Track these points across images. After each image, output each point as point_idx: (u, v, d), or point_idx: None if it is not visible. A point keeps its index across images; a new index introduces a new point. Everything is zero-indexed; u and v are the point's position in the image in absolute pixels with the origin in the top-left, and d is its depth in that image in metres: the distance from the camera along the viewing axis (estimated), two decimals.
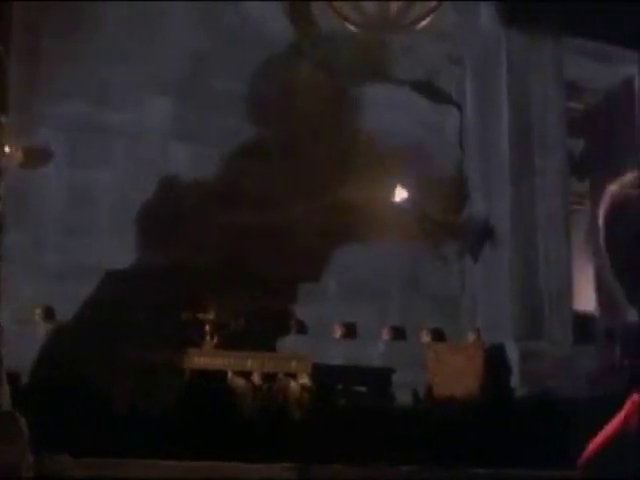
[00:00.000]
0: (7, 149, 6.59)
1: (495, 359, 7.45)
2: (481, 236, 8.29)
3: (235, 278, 7.52)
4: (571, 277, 7.98)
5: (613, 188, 1.90)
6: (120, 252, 7.32)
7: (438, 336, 7.95)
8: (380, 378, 7.46)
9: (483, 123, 8.57)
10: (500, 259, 8.08)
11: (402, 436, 6.50)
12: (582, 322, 7.85)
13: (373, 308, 7.99)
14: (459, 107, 8.78)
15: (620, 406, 1.92)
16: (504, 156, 8.24)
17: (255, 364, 6.92)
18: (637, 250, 1.85)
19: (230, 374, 6.86)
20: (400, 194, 8.25)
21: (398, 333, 8.00)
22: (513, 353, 7.52)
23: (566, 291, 7.94)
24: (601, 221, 1.92)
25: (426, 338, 7.87)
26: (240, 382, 6.83)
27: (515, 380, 7.38)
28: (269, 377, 6.91)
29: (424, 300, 8.13)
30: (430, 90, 8.71)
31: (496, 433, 6.39)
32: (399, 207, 8.18)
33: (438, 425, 6.73)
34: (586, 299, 7.86)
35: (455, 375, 7.24)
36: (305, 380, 6.90)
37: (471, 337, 7.82)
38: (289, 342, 7.59)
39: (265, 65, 8.13)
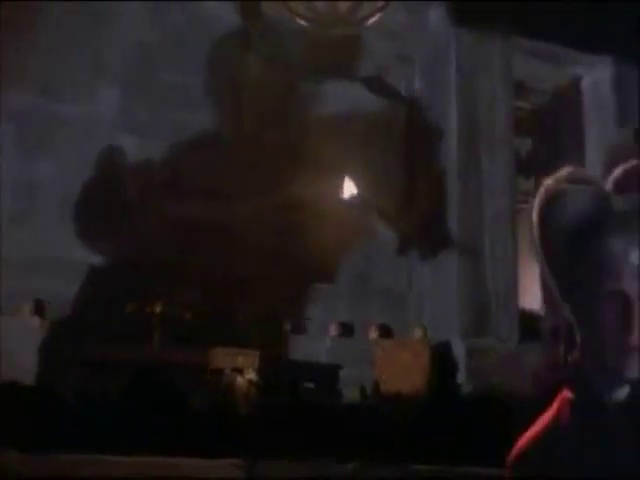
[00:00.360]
0: None
1: (441, 356, 7.50)
2: (428, 235, 8.33)
3: (183, 272, 7.49)
4: (517, 275, 8.05)
5: (548, 182, 1.88)
6: (66, 244, 7.25)
7: (385, 332, 7.98)
8: (327, 374, 7.47)
9: (431, 121, 8.60)
10: (447, 257, 8.13)
11: (349, 432, 6.51)
12: (528, 320, 7.93)
13: (321, 304, 8.00)
14: (408, 104, 8.81)
15: (551, 403, 1.93)
16: (451, 154, 8.28)
17: (201, 359, 6.90)
18: (570, 247, 1.84)
19: (179, 369, 6.83)
20: (349, 190, 8.26)
21: (346, 329, 8.01)
22: (459, 350, 7.57)
23: (512, 289, 8.01)
24: (535, 216, 1.90)
25: (374, 334, 7.89)
26: (188, 377, 6.81)
27: (461, 377, 7.44)
28: (216, 372, 6.88)
29: (372, 296, 8.16)
30: (380, 87, 8.74)
31: (442, 430, 6.42)
32: (348, 203, 8.19)
33: (385, 422, 6.75)
34: (532, 297, 7.93)
35: (402, 372, 7.27)
36: (252, 375, 6.89)
37: (418, 334, 7.86)
38: (237, 337, 7.57)
39: (214, 59, 8.10)
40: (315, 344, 7.76)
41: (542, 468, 1.83)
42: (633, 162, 1.82)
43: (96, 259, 7.33)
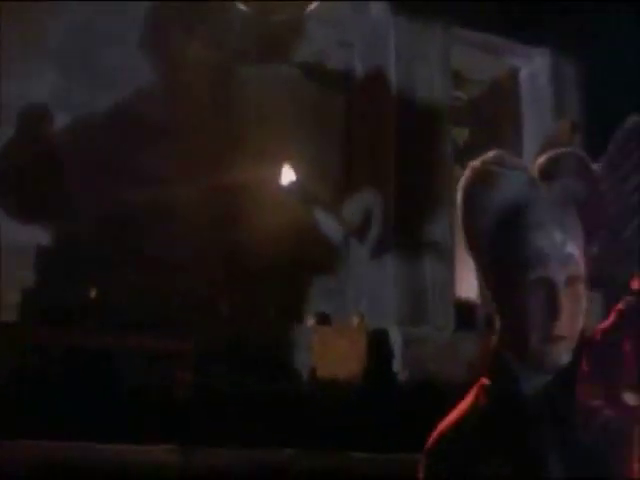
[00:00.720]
0: None
1: (378, 343, 7.54)
2: (367, 222, 8.36)
3: (121, 255, 7.43)
4: (454, 264, 8.11)
5: (474, 163, 1.82)
6: (3, 227, 7.16)
7: (323, 320, 8.00)
8: (265, 360, 7.46)
9: (370, 108, 8.62)
10: (385, 245, 8.16)
11: (285, 419, 6.52)
12: (464, 308, 8.01)
13: (259, 289, 7.98)
14: (347, 91, 8.82)
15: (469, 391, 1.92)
16: (390, 142, 8.31)
17: (136, 343, 6.86)
18: (496, 230, 1.80)
19: (115, 353, 6.79)
20: (288, 176, 8.26)
21: (283, 315, 8.01)
22: (396, 338, 7.62)
23: (449, 278, 8.07)
24: (460, 197, 1.84)
25: (311, 321, 7.91)
26: (124, 361, 6.76)
27: (397, 364, 7.48)
28: (152, 357, 6.85)
29: (309, 283, 8.17)
30: (319, 72, 8.74)
31: (378, 417, 6.46)
32: (287, 189, 8.19)
33: (321, 408, 6.77)
34: (468, 286, 8.00)
35: (339, 359, 7.29)
36: (188, 360, 6.86)
37: (355, 321, 7.89)
38: (174, 321, 7.54)
39: (154, 42, 8.03)
40: (252, 329, 7.75)
41: (456, 456, 1.81)
42: (559, 150, 1.81)
43: (32, 243, 7.25)
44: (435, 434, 1.85)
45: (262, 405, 6.65)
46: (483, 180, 1.79)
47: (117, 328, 6.89)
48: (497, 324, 1.86)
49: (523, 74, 9.04)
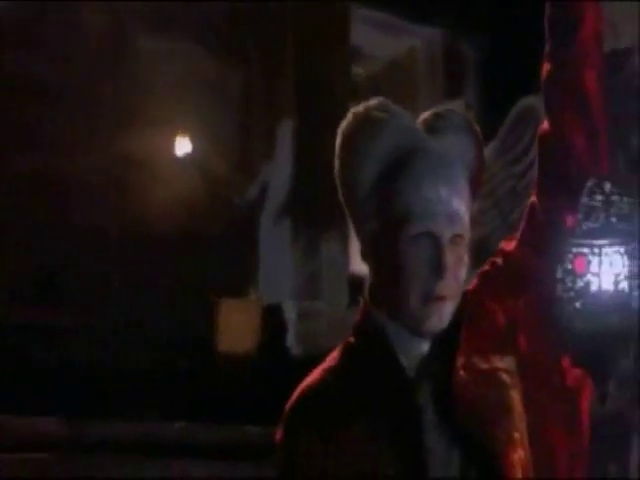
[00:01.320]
0: None
1: (273, 318, 7.56)
2: (263, 195, 8.36)
3: (12, 228, 7.31)
4: (348, 239, 8.17)
5: (357, 109, 1.71)
6: None
7: (219, 294, 7.96)
8: (161, 334, 7.43)
9: (268, 83, 8.61)
10: (280, 219, 8.18)
11: (181, 393, 6.51)
12: (358, 284, 8.06)
13: (154, 261, 7.93)
14: (245, 66, 8.79)
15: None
16: (288, 117, 8.33)
17: (29, 316, 6.78)
18: (377, 179, 1.68)
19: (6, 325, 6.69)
20: (182, 148, 8.20)
21: (179, 288, 7.98)
22: (290, 313, 7.65)
23: (343, 253, 8.13)
24: (338, 144, 1.71)
25: (208, 295, 7.87)
26: (15, 334, 6.67)
27: (291, 339, 7.52)
28: (43, 329, 6.77)
29: (206, 256, 8.13)
30: (217, 47, 8.68)
31: (271, 391, 6.47)
32: (181, 161, 8.14)
33: (216, 382, 6.78)
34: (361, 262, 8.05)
35: (234, 333, 7.30)
36: (83, 334, 6.80)
37: (252, 296, 7.89)
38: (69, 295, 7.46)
39: (47, 8, 7.88)
40: (146, 302, 7.70)
41: (315, 416, 1.69)
42: (444, 107, 1.77)
43: None
44: (296, 393, 1.73)
45: (158, 379, 6.63)
46: (365, 126, 1.69)
47: (13, 300, 6.79)
48: (368, 283, 1.75)
49: (421, 53, 9.13)
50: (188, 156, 8.23)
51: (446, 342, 1.71)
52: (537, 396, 1.72)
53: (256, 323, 7.45)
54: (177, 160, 8.20)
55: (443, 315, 1.68)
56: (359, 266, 8.15)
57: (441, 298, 1.67)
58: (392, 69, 9.21)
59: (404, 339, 1.70)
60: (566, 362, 1.71)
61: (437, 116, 1.73)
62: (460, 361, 1.69)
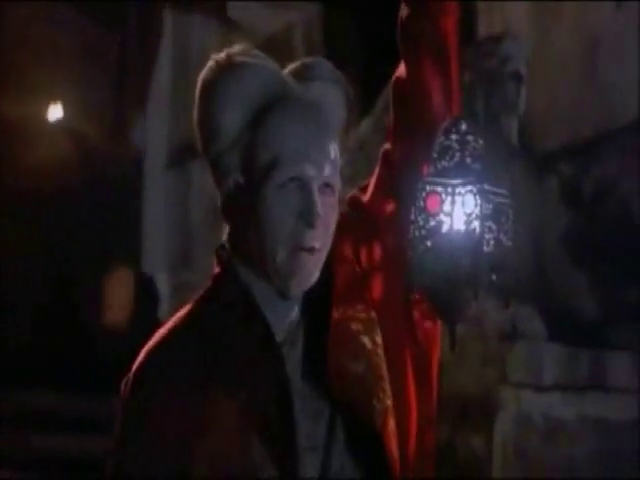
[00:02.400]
0: None
1: (147, 291, 7.51)
2: (136, 165, 8.28)
3: None
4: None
5: (218, 55, 1.63)
6: None
7: (93, 264, 7.87)
8: (34, 304, 7.31)
9: (145, 51, 8.52)
10: (156, 188, 8.11)
11: (55, 364, 6.43)
12: None
13: (26, 232, 7.77)
14: (122, 35, 8.67)
15: None
16: (164, 87, 8.26)
17: None
18: (241, 128, 1.62)
19: None
20: (54, 113, 8.05)
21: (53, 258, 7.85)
22: (164, 286, 7.60)
23: (217, 226, 8.11)
24: (199, 91, 1.64)
25: (83, 265, 7.78)
26: None
27: (165, 312, 7.47)
28: None
29: (80, 227, 8.00)
30: (92, 12, 8.53)
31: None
32: (54, 127, 7.99)
33: (88, 353, 6.71)
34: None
35: (108, 304, 7.22)
36: None
37: (125, 268, 7.81)
38: None
39: None
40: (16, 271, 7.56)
41: (163, 374, 1.61)
42: (311, 58, 1.74)
43: None
44: (144, 350, 1.65)
45: (29, 348, 6.53)
46: (228, 71, 1.61)
47: None
48: (229, 239, 1.68)
49: (298, 29, 9.14)
50: (60, 122, 8.08)
51: (316, 307, 1.65)
52: (390, 348, 1.68)
53: (129, 295, 7.38)
54: (49, 126, 8.04)
55: (311, 270, 1.61)
56: None
57: (310, 250, 1.60)
58: (270, 44, 9.19)
59: (271, 300, 1.63)
60: (418, 313, 1.69)
61: (305, 65, 1.69)
62: (332, 328, 1.64)
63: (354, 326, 1.66)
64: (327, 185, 1.63)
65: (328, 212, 1.63)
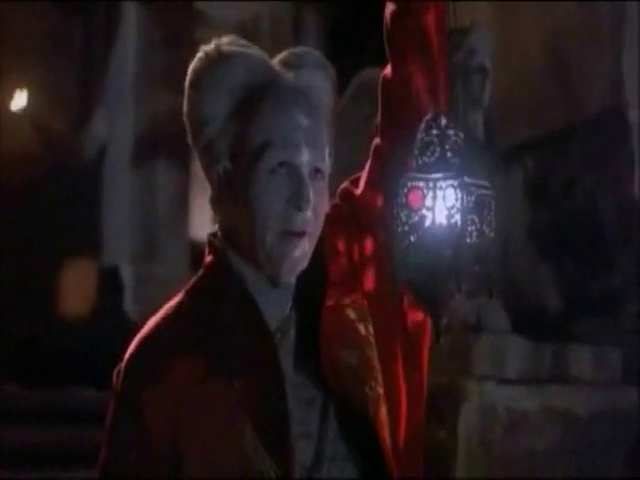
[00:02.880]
0: None
1: (110, 281, 7.47)
2: (102, 155, 8.24)
3: None
4: (188, 203, 8.13)
5: (206, 47, 1.65)
6: None
7: (56, 254, 7.80)
8: None
9: (109, 40, 8.47)
10: (120, 177, 8.08)
11: (13, 355, 6.39)
12: (198, 250, 8.04)
13: None
14: (87, 19, 8.61)
15: None
16: (129, 78, 8.23)
17: None
18: (231, 115, 1.63)
19: None
20: (18, 102, 7.98)
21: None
22: (128, 277, 7.57)
23: (183, 217, 8.10)
24: (189, 82, 1.65)
25: (43, 256, 7.72)
26: None
27: (128, 304, 7.45)
28: None
29: (43, 217, 7.93)
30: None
31: (106, 355, 6.41)
32: (17, 116, 7.93)
33: (50, 345, 6.68)
34: (203, 228, 8.04)
35: (71, 295, 7.19)
36: None
37: (88, 258, 7.76)
38: None
39: None
40: None
41: (157, 360, 1.61)
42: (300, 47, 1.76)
43: None
44: (135, 340, 1.66)
45: None
46: (217, 61, 1.64)
47: None
48: (220, 228, 1.69)
49: (266, 20, 9.13)
50: (24, 110, 8.01)
51: (309, 296, 1.67)
52: (381, 338, 1.71)
53: (92, 286, 7.35)
54: (11, 114, 7.97)
55: (301, 255, 1.62)
56: (200, 231, 8.15)
57: (300, 234, 1.61)
58: (237, 35, 9.19)
59: (264, 289, 1.64)
60: (407, 304, 1.71)
61: (293, 54, 1.71)
62: (324, 318, 1.65)
63: (347, 315, 1.69)
64: (317, 170, 1.65)
65: (318, 197, 1.64)
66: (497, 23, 6.07)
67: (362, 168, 1.83)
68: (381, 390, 1.67)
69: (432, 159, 1.58)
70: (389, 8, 1.78)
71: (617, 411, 5.30)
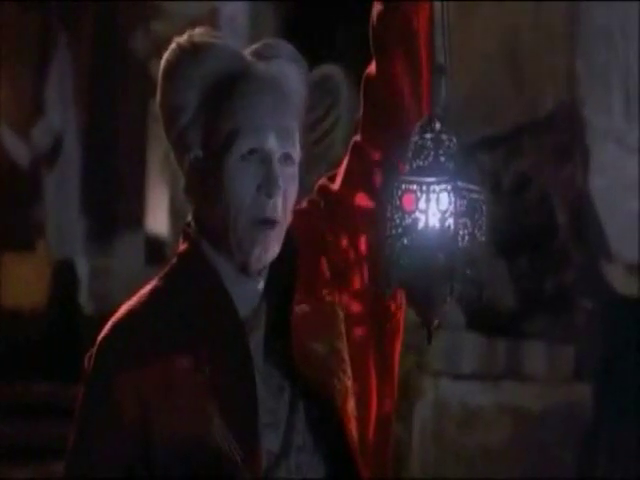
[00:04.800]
0: None
1: (64, 274, 7.42)
2: (56, 146, 8.18)
3: None
4: (144, 196, 8.10)
5: (179, 39, 1.67)
6: None
7: (6, 246, 7.74)
8: None
9: (67, 31, 8.42)
10: (73, 171, 8.03)
11: None
12: (154, 243, 8.00)
13: None
14: (46, 14, 8.55)
15: None
16: (85, 67, 8.19)
17: None
18: (204, 104, 1.65)
19: None
20: None
21: None
22: (82, 270, 7.52)
23: (139, 211, 8.06)
24: (162, 72, 1.67)
25: None
26: None
27: (83, 297, 7.40)
28: None
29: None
30: None
31: (61, 349, 6.39)
32: None
33: (3, 339, 6.62)
34: (159, 222, 8.00)
35: (22, 288, 7.13)
36: None
37: (40, 249, 7.70)
38: None
39: None
40: None
41: (129, 344, 1.63)
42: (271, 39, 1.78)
43: None
44: (108, 323, 1.68)
45: None
46: (189, 51, 1.66)
47: None
48: (193, 216, 1.71)
49: (223, 13, 9.09)
50: None
51: (280, 286, 1.69)
52: (354, 335, 1.72)
53: (45, 279, 7.29)
54: None
55: (272, 242, 1.64)
56: (156, 225, 8.13)
57: (271, 222, 1.63)
58: (193, 27, 9.15)
59: (236, 278, 1.66)
60: (396, 304, 1.73)
61: (266, 45, 1.72)
62: (295, 309, 1.67)
63: (318, 307, 1.70)
64: (287, 157, 1.67)
65: (288, 183, 1.66)
66: (453, 23, 6.10)
67: (340, 164, 1.82)
68: (350, 383, 1.68)
69: (426, 163, 1.61)
70: (376, 6, 1.78)
71: (570, 407, 5.35)
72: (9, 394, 6.07)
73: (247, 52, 1.71)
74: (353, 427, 1.66)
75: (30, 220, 8.10)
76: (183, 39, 1.68)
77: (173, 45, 1.69)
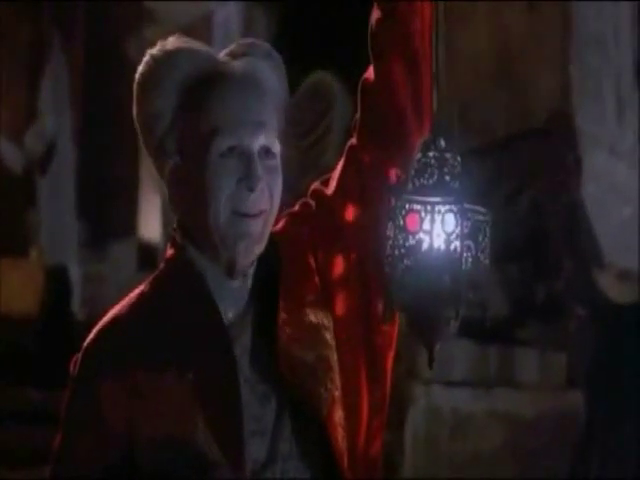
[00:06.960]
0: None
1: (57, 280, 7.41)
2: (49, 152, 8.17)
3: None
4: (137, 203, 8.10)
5: (152, 50, 1.67)
6: None
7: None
8: None
9: (58, 41, 8.42)
10: (67, 177, 8.02)
11: None
12: (146, 249, 8.00)
13: None
14: (36, 19, 8.55)
15: None
16: (77, 72, 8.19)
17: None
18: (181, 109, 1.65)
19: None
20: None
21: None
22: (75, 276, 7.51)
23: (131, 216, 8.06)
24: (137, 85, 1.67)
25: None
26: None
27: (76, 303, 7.39)
28: None
29: None
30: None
31: (54, 355, 6.36)
32: None
33: None
34: (151, 228, 8.00)
35: (14, 294, 7.11)
36: None
37: (33, 255, 7.70)
38: None
39: None
40: None
41: (115, 351, 1.64)
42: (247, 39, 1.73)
43: None
44: (95, 328, 1.69)
45: None
46: (161, 60, 1.67)
47: None
48: (178, 222, 1.71)
49: (217, 19, 9.10)
50: None
51: (266, 292, 1.68)
52: (346, 355, 1.72)
53: (37, 285, 7.28)
54: None
55: (256, 237, 1.63)
56: (148, 232, 8.13)
57: (253, 215, 1.62)
58: (186, 35, 9.15)
59: (222, 284, 1.66)
60: (375, 324, 1.72)
61: (239, 44, 1.73)
62: (282, 316, 1.66)
63: (307, 315, 1.70)
64: (267, 150, 1.66)
65: (270, 175, 1.66)
66: (446, 30, 6.10)
67: (333, 169, 1.82)
68: (337, 393, 1.67)
69: (430, 182, 1.56)
70: (375, 13, 1.77)
71: (562, 414, 5.35)
72: (1, 400, 6.06)
73: (222, 54, 1.72)
74: (339, 436, 1.65)
75: (23, 226, 8.09)
76: (155, 49, 1.68)
77: (146, 57, 1.69)
